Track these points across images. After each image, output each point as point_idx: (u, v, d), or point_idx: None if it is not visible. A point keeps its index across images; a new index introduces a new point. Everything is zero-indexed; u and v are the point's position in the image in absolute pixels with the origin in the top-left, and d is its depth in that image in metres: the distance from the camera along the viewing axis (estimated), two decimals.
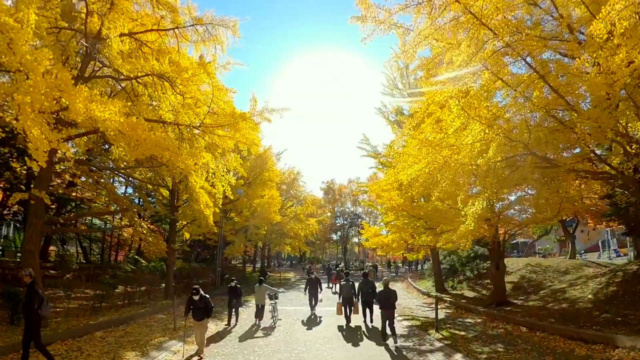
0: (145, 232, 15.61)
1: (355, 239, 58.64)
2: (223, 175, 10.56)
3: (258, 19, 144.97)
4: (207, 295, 7.92)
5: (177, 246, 16.13)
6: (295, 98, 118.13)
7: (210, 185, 11.00)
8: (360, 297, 10.72)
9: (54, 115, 6.63)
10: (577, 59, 5.12)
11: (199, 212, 12.48)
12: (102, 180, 17.29)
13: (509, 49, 5.58)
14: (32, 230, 8.38)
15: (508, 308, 12.39)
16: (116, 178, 19.22)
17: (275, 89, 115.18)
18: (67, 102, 5.61)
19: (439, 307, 14.62)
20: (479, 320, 11.33)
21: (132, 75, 9.01)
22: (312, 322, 11.77)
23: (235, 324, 11.24)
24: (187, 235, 26.81)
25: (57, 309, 10.61)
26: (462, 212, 8.30)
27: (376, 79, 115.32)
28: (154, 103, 9.67)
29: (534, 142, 6.25)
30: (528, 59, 5.83)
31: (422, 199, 15.59)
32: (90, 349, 7.66)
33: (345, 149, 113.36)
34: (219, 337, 9.75)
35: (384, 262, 55.22)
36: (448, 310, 13.34)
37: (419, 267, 42.95)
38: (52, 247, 19.94)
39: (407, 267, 44.79)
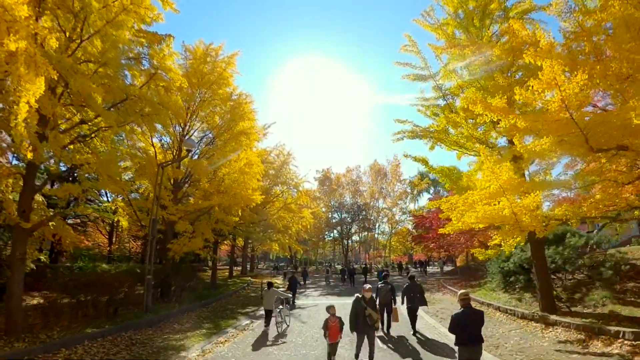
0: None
1: (356, 237, 50.15)
2: None
3: (252, 29, 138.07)
4: None
5: (27, 227, 7.41)
6: (291, 95, 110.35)
7: None
8: (406, 303, 9.21)
9: None
10: None
11: None
12: None
13: None
14: None
15: None
16: None
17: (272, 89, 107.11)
18: None
19: (608, 350, 6.55)
20: None
21: None
22: None
23: None
24: (124, 223, 18.07)
25: None
26: None
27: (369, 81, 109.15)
28: None
29: None
30: None
31: None
32: None
33: (341, 144, 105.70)
34: None
35: (389, 263, 47.07)
36: None
37: (441, 267, 34.89)
38: None
39: (421, 269, 36.63)
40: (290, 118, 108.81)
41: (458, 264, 34.74)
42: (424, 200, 53.06)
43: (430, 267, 41.49)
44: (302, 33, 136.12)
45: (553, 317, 9.11)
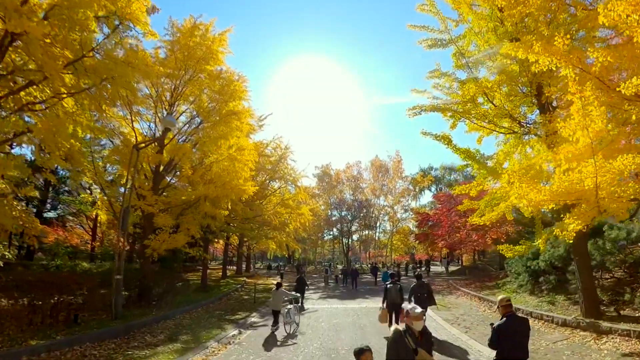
0: None
1: (355, 236, 48.48)
2: None
3: (250, 27, 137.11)
4: None
5: None
6: (289, 94, 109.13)
7: None
8: (413, 302, 8.20)
9: None
10: None
11: None
12: None
13: None
14: None
15: None
16: None
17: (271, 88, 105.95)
18: None
19: None
20: None
21: None
22: None
23: None
24: (102, 216, 16.45)
25: None
26: None
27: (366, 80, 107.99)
28: None
29: None
30: None
31: None
32: None
33: (340, 142, 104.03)
34: None
35: (388, 263, 45.45)
36: None
37: (446, 267, 33.24)
38: None
39: (425, 269, 34.92)
40: (288, 116, 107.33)
41: (464, 263, 33.19)
42: (426, 198, 51.56)
43: (432, 266, 39.84)
44: (300, 33, 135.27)
45: (606, 324, 7.50)
